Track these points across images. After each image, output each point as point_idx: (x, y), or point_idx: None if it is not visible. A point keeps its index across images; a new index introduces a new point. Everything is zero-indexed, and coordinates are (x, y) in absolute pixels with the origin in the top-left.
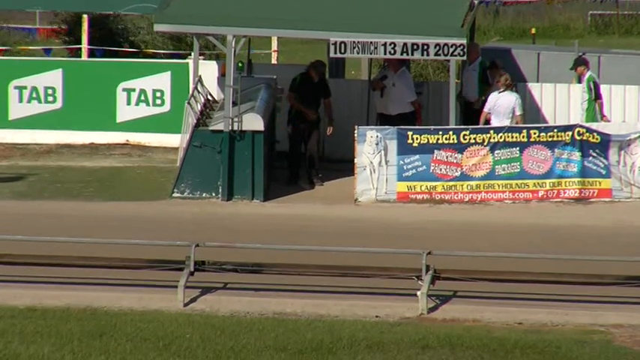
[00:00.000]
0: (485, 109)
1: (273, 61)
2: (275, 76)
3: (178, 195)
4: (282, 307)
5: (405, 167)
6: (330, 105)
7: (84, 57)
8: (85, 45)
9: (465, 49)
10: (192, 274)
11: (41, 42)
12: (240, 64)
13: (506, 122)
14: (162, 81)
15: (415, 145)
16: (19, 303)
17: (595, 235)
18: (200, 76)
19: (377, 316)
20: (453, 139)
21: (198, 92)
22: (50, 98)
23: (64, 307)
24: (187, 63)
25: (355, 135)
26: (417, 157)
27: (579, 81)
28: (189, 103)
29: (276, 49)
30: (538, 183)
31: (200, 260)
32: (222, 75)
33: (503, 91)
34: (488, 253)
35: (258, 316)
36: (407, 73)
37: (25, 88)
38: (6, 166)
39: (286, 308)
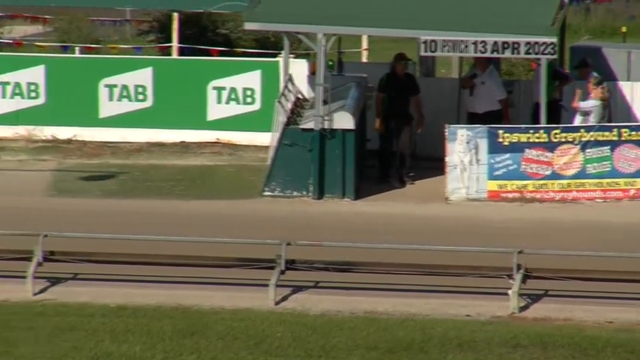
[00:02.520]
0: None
1: (364, 59)
2: (365, 75)
3: (269, 193)
4: (373, 305)
5: (495, 166)
6: (419, 102)
7: (174, 55)
8: (175, 43)
9: (556, 48)
10: (283, 272)
11: (132, 40)
12: (330, 63)
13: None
14: (252, 79)
15: (506, 143)
16: (110, 301)
17: None
18: (290, 75)
19: (468, 315)
20: (544, 137)
21: (289, 91)
22: (140, 96)
23: (155, 306)
24: (277, 61)
25: (446, 133)
26: (508, 155)
27: None
28: (279, 101)
29: (366, 47)
30: (629, 182)
31: (291, 259)
32: (312, 73)
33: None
34: (579, 252)
35: (349, 314)
36: (495, 72)
37: (116, 86)
38: (97, 165)
39: (377, 307)
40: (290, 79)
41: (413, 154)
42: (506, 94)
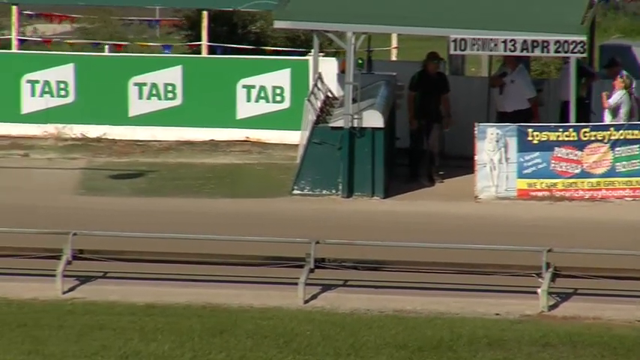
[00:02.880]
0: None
1: (393, 57)
2: (395, 73)
3: (298, 192)
4: (402, 304)
5: (525, 164)
6: (448, 100)
7: (204, 54)
8: (204, 42)
9: (585, 46)
10: (312, 271)
11: (161, 38)
12: (359, 61)
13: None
14: (282, 78)
15: (535, 142)
16: (138, 300)
17: None
18: (320, 73)
19: (497, 314)
20: (573, 136)
21: (318, 89)
22: (170, 95)
23: (183, 304)
24: (307, 60)
25: (475, 132)
26: (537, 154)
27: None
28: (309, 99)
29: (395, 45)
30: None
31: (320, 257)
32: (341, 72)
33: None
34: (609, 251)
35: (378, 313)
36: (524, 70)
37: (145, 84)
38: (126, 163)
39: (406, 305)
40: (319, 77)
41: (442, 153)
42: (535, 92)
